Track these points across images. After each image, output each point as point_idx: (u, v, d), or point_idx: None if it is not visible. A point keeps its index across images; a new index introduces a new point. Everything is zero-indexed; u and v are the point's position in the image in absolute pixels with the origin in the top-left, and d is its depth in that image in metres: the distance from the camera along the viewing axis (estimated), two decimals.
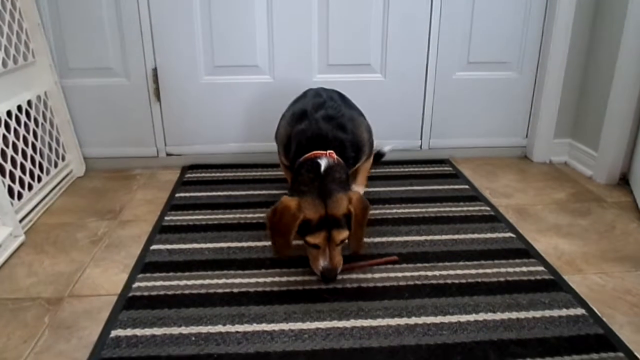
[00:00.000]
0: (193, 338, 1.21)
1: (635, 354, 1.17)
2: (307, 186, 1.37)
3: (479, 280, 1.43)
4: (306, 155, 1.45)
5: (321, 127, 1.51)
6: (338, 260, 1.37)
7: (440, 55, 2.22)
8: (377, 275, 1.45)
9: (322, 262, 1.35)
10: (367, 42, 2.18)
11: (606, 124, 2.07)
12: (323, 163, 1.41)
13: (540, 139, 2.33)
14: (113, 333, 1.23)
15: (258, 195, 1.98)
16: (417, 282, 1.43)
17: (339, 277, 1.44)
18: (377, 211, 1.82)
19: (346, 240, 1.38)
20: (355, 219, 1.35)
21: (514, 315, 1.29)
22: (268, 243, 1.62)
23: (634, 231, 1.73)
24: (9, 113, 1.75)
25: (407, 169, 2.24)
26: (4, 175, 1.67)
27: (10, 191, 1.70)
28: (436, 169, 2.25)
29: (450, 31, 2.19)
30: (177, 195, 1.99)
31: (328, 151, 1.45)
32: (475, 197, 1.96)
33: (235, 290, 1.39)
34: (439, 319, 1.27)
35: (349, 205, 1.34)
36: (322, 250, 1.34)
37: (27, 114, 1.88)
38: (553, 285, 1.41)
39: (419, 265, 1.51)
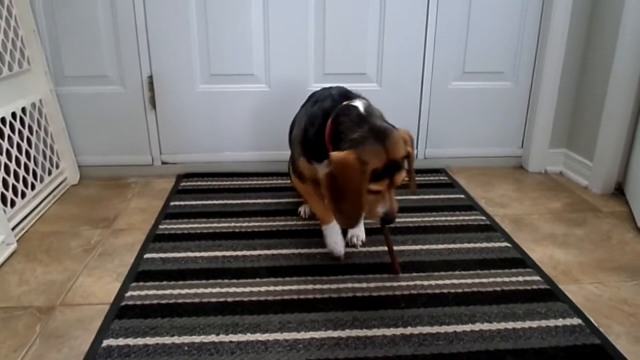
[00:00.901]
0: (186, 348, 1.20)
1: None
2: (355, 132, 1.23)
3: (475, 290, 1.43)
4: (336, 110, 1.32)
5: (338, 92, 1.42)
6: (396, 203, 1.29)
7: (435, 65, 2.23)
8: (372, 285, 1.44)
9: (383, 208, 1.27)
10: (363, 51, 2.19)
11: (601, 134, 2.07)
12: (359, 104, 1.29)
13: (535, 149, 2.33)
14: (105, 342, 1.21)
15: (253, 204, 1.97)
16: (413, 291, 1.42)
17: (334, 286, 1.43)
18: (373, 221, 1.80)
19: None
20: (412, 159, 1.29)
21: (510, 325, 1.28)
22: (263, 252, 1.61)
23: (630, 241, 1.73)
24: (3, 120, 1.74)
25: None
26: None
27: (3, 199, 1.68)
28: (432, 178, 2.25)
29: (445, 41, 2.20)
30: (171, 203, 1.97)
31: (356, 99, 1.35)
32: (471, 206, 1.96)
33: (230, 299, 1.38)
34: (435, 329, 1.26)
35: (406, 146, 1.27)
36: (381, 195, 1.26)
37: (22, 122, 1.87)
38: (549, 295, 1.40)
39: (414, 274, 1.50)
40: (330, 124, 1.31)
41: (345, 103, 1.32)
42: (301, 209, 1.87)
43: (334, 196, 1.23)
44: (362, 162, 1.18)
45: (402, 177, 1.25)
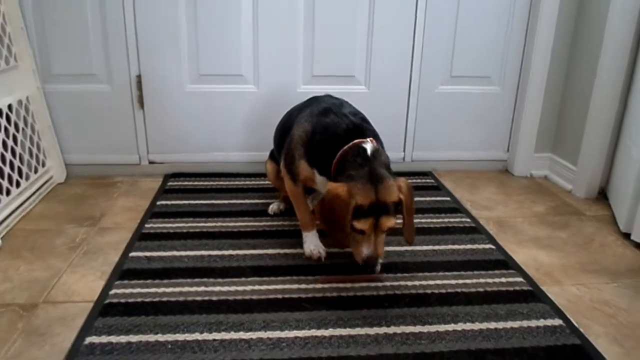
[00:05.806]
0: (169, 346, 1.20)
1: None
2: (355, 170, 1.33)
3: (459, 290, 1.44)
4: (349, 144, 1.39)
5: (353, 120, 1.46)
6: (382, 249, 1.34)
7: (423, 69, 2.25)
8: (356, 285, 1.45)
9: (366, 250, 1.31)
10: (351, 54, 2.20)
11: (585, 139, 2.10)
12: (369, 147, 1.37)
13: (521, 153, 2.36)
14: (87, 340, 1.21)
15: (240, 204, 1.97)
16: (397, 291, 1.43)
17: (319, 285, 1.44)
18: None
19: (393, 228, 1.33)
20: (406, 207, 1.34)
21: (492, 325, 1.30)
22: (248, 252, 1.62)
23: (612, 244, 1.75)
24: None
25: None
26: None
27: None
28: (418, 181, 2.27)
29: (433, 45, 2.22)
30: (158, 202, 1.97)
31: (369, 138, 1.41)
32: (456, 209, 1.97)
33: (214, 298, 1.38)
34: (417, 329, 1.28)
35: (399, 193, 1.32)
36: (367, 237, 1.31)
37: (8, 119, 1.86)
38: (531, 296, 1.42)
39: (399, 275, 1.51)
40: (338, 157, 1.39)
41: (357, 141, 1.39)
42: (271, 207, 1.90)
43: (324, 220, 1.34)
44: (350, 195, 1.28)
45: (389, 222, 1.30)
